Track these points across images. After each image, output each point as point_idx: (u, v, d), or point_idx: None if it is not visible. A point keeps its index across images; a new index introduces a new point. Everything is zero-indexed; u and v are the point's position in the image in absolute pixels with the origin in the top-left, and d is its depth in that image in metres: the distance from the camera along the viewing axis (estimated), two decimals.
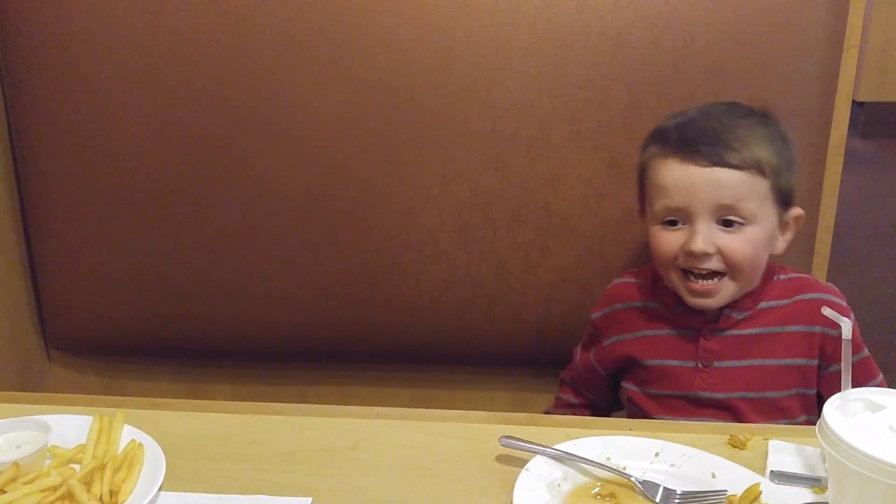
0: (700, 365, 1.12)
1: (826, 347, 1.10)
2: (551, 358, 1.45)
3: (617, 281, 1.24)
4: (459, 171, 1.35)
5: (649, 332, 1.16)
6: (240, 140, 1.35)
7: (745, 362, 1.10)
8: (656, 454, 0.87)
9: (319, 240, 1.38)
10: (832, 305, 1.06)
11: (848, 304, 1.14)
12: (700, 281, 1.07)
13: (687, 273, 1.08)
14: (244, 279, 1.41)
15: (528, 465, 0.84)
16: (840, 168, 1.43)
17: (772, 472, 0.86)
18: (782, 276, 1.15)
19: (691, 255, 1.05)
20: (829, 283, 1.17)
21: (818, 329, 1.10)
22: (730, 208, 1.04)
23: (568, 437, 0.89)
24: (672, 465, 0.86)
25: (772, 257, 1.13)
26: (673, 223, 1.08)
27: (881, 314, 2.50)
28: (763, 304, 1.11)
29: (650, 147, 1.12)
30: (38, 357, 1.54)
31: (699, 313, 1.12)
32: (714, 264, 1.06)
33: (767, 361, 1.10)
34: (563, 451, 0.85)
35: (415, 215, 1.37)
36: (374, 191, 1.36)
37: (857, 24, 1.35)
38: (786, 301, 1.12)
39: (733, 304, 1.11)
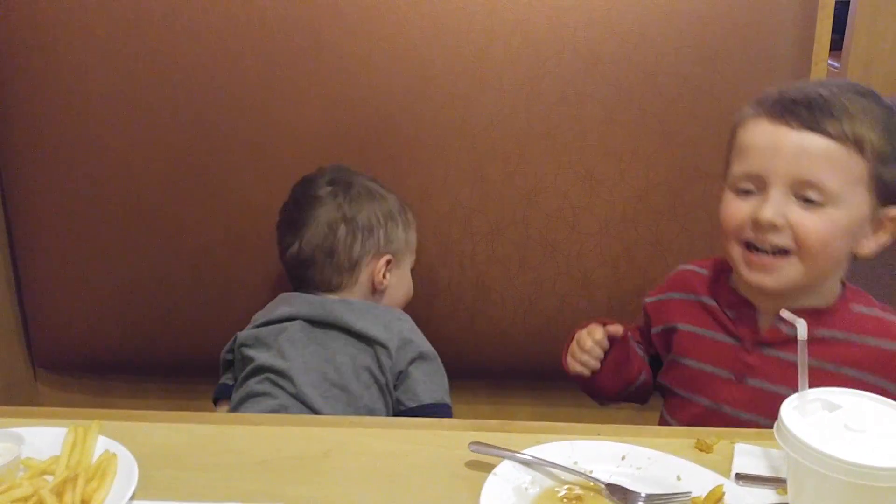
0: (734, 378, 1.02)
1: None
2: (531, 370, 1.47)
3: (683, 267, 1.14)
4: (438, 186, 1.38)
5: (696, 329, 1.07)
6: (223, 158, 1.37)
7: (780, 388, 0.95)
8: (622, 458, 0.88)
9: None
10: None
11: None
12: (761, 255, 0.95)
13: (750, 246, 0.97)
14: (230, 295, 1.43)
15: (495, 470, 0.85)
16: None
17: (737, 474, 0.87)
18: (863, 309, 1.01)
19: (758, 224, 0.94)
20: None
21: (881, 382, 0.96)
22: (810, 183, 0.92)
23: (537, 442, 0.90)
24: (638, 469, 0.87)
25: (856, 265, 1.00)
26: (748, 192, 0.97)
27: None
28: (824, 332, 0.97)
29: (745, 108, 1.01)
30: (24, 375, 1.55)
31: (748, 321, 1.02)
32: (782, 240, 0.94)
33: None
34: (531, 456, 0.87)
35: None
36: None
37: (824, 40, 1.39)
38: (854, 338, 0.99)
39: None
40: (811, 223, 0.93)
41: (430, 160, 1.37)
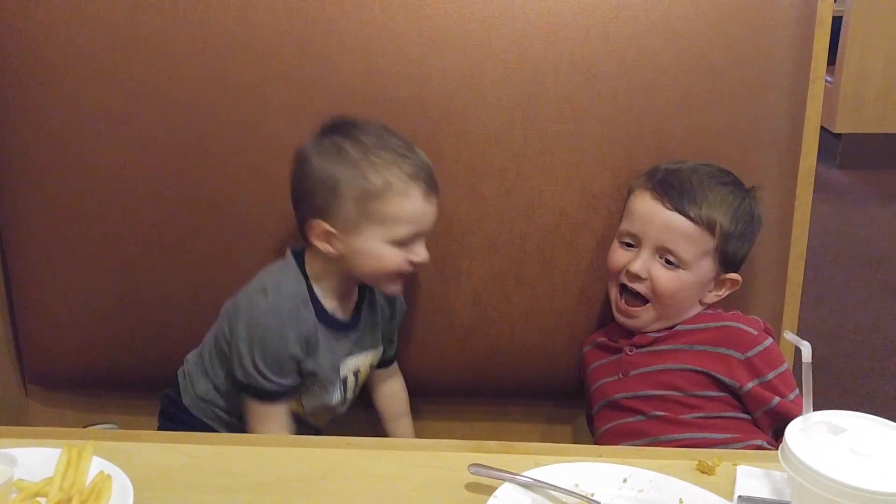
0: (621, 375, 1.26)
1: (735, 371, 1.19)
2: (529, 388, 1.46)
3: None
4: None
5: (596, 363, 1.33)
6: (217, 173, 1.36)
7: (656, 367, 1.23)
8: (624, 480, 0.87)
9: None
10: (742, 333, 1.21)
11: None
12: (627, 306, 1.25)
13: (623, 291, 1.26)
14: None
15: (496, 493, 0.84)
16: (810, 197, 1.45)
17: (740, 497, 0.86)
18: (709, 311, 1.27)
19: (629, 273, 1.23)
20: (756, 318, 1.26)
21: (729, 352, 1.20)
22: (670, 251, 1.20)
23: (538, 464, 0.89)
24: (640, 491, 0.86)
25: (711, 306, 1.28)
26: (630, 245, 1.25)
27: (859, 342, 2.52)
28: (680, 327, 1.25)
29: (642, 176, 1.28)
30: (16, 392, 1.53)
31: (627, 336, 1.29)
32: (643, 288, 1.23)
33: (676, 366, 1.22)
34: (532, 479, 0.86)
35: None
36: None
37: (821, 56, 1.39)
38: (701, 326, 1.25)
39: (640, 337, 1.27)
40: (666, 279, 1.21)
41: None
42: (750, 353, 1.19)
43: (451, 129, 1.34)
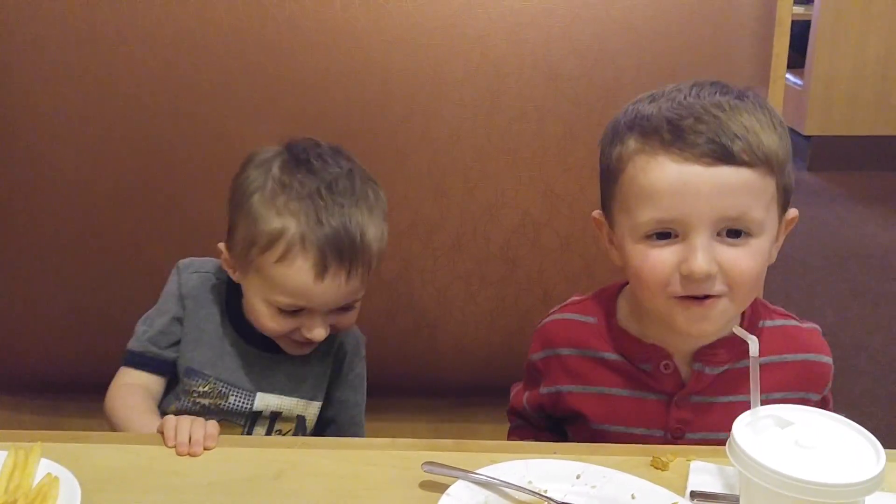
0: (670, 437, 0.96)
1: None
2: (494, 386, 1.45)
3: (556, 317, 1.04)
4: (399, 201, 1.36)
5: (606, 390, 0.98)
6: (177, 176, 1.35)
7: (722, 435, 0.79)
8: (577, 476, 0.87)
9: None
10: (824, 368, 0.98)
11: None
12: (694, 303, 0.88)
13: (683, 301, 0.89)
14: None
15: (448, 491, 0.83)
16: None
17: (692, 492, 0.87)
18: (768, 323, 0.99)
19: (690, 277, 0.86)
20: (815, 327, 1.03)
21: (808, 396, 0.98)
22: (737, 220, 0.86)
23: (493, 461, 0.89)
24: (593, 487, 0.86)
25: (765, 306, 1.00)
26: (662, 238, 0.88)
27: (828, 342, 2.54)
28: (745, 362, 0.83)
29: (627, 139, 0.90)
30: None
31: (670, 373, 0.96)
32: (716, 287, 0.87)
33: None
34: (485, 476, 0.85)
35: None
36: None
37: (782, 56, 1.40)
38: (773, 359, 0.95)
39: (707, 356, 0.95)
40: (744, 263, 0.87)
41: (389, 175, 1.34)
42: (826, 391, 0.98)
43: (413, 129, 1.34)
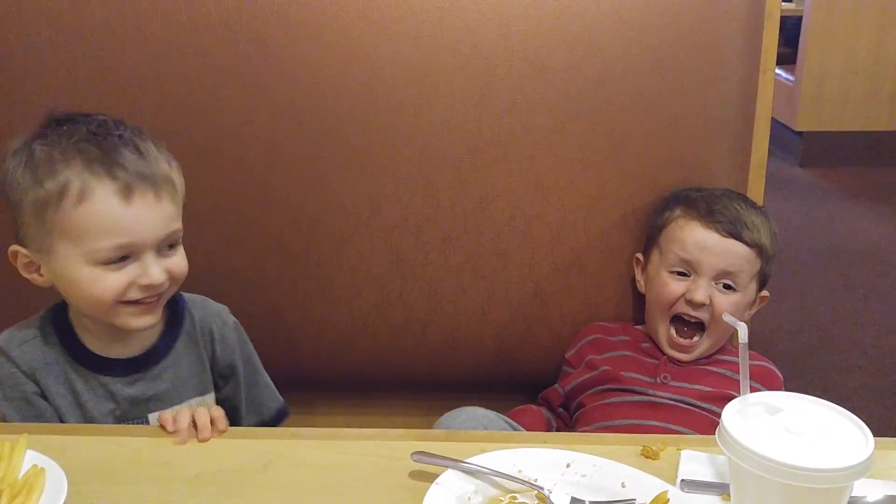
0: (659, 380, 1.28)
1: None
2: (484, 381, 1.46)
3: (593, 324, 1.40)
4: (389, 195, 1.36)
5: (619, 353, 1.33)
6: None
7: (698, 387, 1.26)
8: (567, 465, 0.87)
9: (248, 267, 1.37)
10: (774, 375, 1.29)
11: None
12: (684, 339, 1.27)
13: (677, 323, 1.27)
14: None
15: (438, 480, 0.83)
16: (762, 189, 1.46)
17: (682, 480, 0.87)
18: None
19: (691, 302, 1.25)
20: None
21: (759, 387, 1.21)
22: (731, 274, 1.25)
23: (482, 451, 0.88)
24: (583, 476, 0.86)
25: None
26: (682, 274, 1.27)
27: (820, 336, 2.55)
28: (718, 356, 1.30)
29: (675, 209, 1.30)
30: None
31: (661, 351, 1.31)
32: (704, 315, 1.25)
33: (715, 390, 1.24)
34: (475, 465, 0.85)
35: (345, 240, 1.37)
36: (304, 217, 1.36)
37: (771, 49, 1.40)
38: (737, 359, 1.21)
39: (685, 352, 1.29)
40: (726, 303, 1.24)
41: (379, 169, 1.35)
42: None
43: (404, 121, 1.33)
